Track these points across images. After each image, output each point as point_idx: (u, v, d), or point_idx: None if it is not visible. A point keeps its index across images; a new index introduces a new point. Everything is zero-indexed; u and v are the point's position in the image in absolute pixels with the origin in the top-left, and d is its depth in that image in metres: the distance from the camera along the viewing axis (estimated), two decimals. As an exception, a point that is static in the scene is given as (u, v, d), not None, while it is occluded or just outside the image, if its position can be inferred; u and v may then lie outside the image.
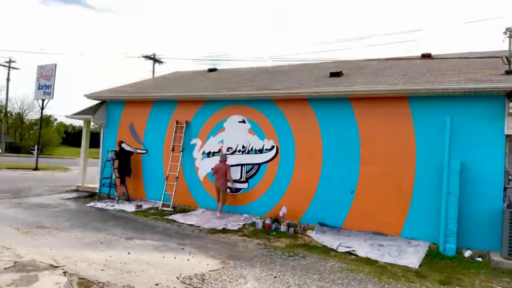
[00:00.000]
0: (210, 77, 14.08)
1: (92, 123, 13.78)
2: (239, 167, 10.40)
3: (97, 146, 14.22)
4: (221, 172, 10.04)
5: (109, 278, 5.29)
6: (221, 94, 10.72)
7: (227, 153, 10.52)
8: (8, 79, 44.53)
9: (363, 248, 7.48)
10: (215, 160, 10.69)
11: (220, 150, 10.73)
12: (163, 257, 6.44)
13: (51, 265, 5.69)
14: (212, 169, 10.38)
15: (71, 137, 63.00)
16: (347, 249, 7.39)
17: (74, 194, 13.06)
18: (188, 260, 6.36)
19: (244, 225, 9.22)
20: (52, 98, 23.52)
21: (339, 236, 8.29)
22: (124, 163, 11.91)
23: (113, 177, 11.92)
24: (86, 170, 14.25)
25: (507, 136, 7.55)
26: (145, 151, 12.09)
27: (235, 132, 10.54)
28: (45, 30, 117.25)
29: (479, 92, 7.66)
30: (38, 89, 23.82)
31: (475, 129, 7.75)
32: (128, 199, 11.79)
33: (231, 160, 10.46)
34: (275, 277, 5.72)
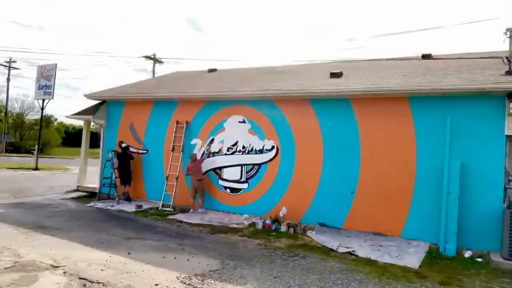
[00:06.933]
0: (210, 77, 14.09)
1: (92, 123, 13.79)
2: (239, 167, 10.40)
3: (97, 146, 14.23)
4: (195, 170, 10.50)
5: (109, 278, 5.29)
6: (221, 94, 10.72)
7: (196, 152, 11.04)
8: (8, 79, 44.64)
9: (363, 249, 7.48)
10: (215, 160, 10.73)
11: (220, 150, 10.74)
12: (163, 257, 6.44)
13: (51, 265, 5.69)
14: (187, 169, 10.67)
15: (71, 137, 63.02)
16: (347, 250, 7.38)
17: (74, 194, 13.07)
18: (188, 260, 6.35)
19: (244, 225, 9.22)
20: (52, 98, 23.57)
21: (339, 237, 8.28)
22: (124, 163, 11.92)
23: (113, 177, 11.93)
24: (86, 170, 14.25)
25: (507, 136, 7.55)
26: (145, 151, 12.09)
27: (235, 132, 10.54)
28: (45, 30, 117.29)
29: (480, 92, 7.64)
30: (38, 89, 23.87)
31: (475, 130, 7.74)
32: (128, 199, 11.78)
33: (232, 160, 10.48)
34: (275, 277, 5.72)
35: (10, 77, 44.75)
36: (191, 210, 10.35)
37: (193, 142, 11.28)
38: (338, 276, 5.93)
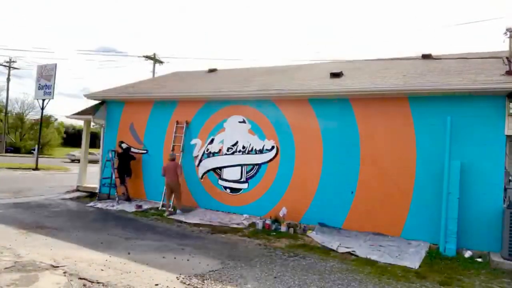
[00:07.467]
0: (210, 77, 14.09)
1: (92, 123, 13.78)
2: (239, 167, 10.40)
3: (97, 146, 14.23)
4: (171, 171, 10.35)
5: (109, 278, 5.29)
6: (221, 94, 10.72)
7: (176, 153, 11.01)
8: (8, 79, 44.62)
9: (363, 249, 7.48)
10: (215, 160, 10.72)
11: (220, 150, 10.74)
12: (163, 257, 6.44)
13: (51, 265, 5.69)
14: (162, 169, 10.58)
15: (71, 137, 63.04)
16: (347, 250, 7.38)
17: (74, 194, 13.06)
18: (188, 260, 6.36)
19: (244, 225, 9.22)
20: (52, 98, 23.58)
21: (339, 237, 8.29)
22: (124, 164, 11.92)
23: (113, 177, 11.93)
24: (86, 170, 14.25)
25: (507, 136, 7.55)
26: (145, 151, 12.09)
27: (235, 132, 10.54)
28: (45, 30, 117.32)
29: (480, 92, 7.64)
30: (39, 89, 23.88)
31: (475, 130, 7.74)
32: (128, 199, 11.78)
33: (232, 160, 10.49)
34: (275, 277, 5.72)
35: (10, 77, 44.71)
36: (166, 213, 10.10)
37: (193, 142, 11.28)
38: (338, 276, 5.93)
